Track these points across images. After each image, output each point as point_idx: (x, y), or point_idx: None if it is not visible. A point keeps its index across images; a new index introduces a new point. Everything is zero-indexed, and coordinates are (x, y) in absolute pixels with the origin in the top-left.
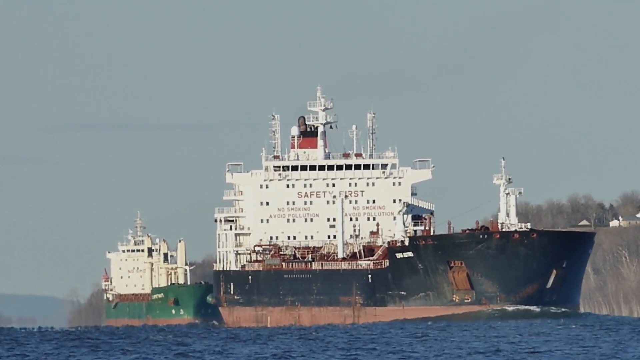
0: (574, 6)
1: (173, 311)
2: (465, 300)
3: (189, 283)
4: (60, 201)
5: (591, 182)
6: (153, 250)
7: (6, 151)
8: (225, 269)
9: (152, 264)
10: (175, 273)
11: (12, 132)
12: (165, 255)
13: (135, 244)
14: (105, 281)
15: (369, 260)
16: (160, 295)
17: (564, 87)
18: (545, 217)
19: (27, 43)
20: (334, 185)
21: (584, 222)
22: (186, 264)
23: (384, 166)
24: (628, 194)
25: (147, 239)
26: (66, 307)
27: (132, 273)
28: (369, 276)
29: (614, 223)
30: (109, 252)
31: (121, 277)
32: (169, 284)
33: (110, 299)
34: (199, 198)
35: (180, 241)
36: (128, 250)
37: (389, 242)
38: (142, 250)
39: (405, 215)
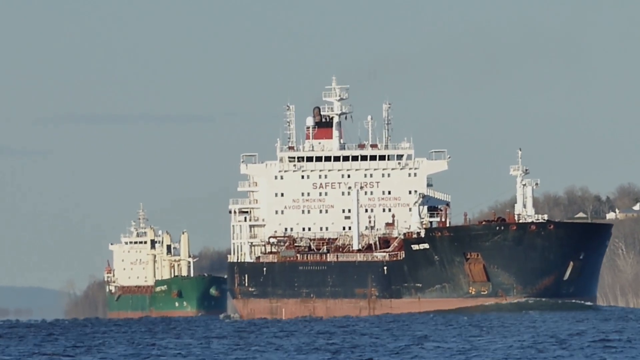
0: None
1: (176, 303)
2: (482, 293)
3: (192, 275)
4: (60, 193)
5: (588, 175)
6: (156, 242)
7: (4, 142)
8: (239, 260)
9: (155, 256)
10: (178, 265)
11: (11, 123)
12: (169, 247)
13: (137, 235)
14: (107, 273)
15: (384, 252)
16: (164, 288)
17: (564, 82)
18: (541, 209)
19: (32, 36)
20: (349, 176)
21: (581, 215)
22: (189, 256)
23: (400, 157)
24: (625, 186)
25: (150, 230)
26: (62, 299)
27: (135, 265)
28: (385, 268)
29: (610, 215)
30: (111, 244)
31: (124, 269)
32: (172, 276)
33: (113, 291)
34: (203, 190)
35: (183, 233)
36: (131, 242)
37: (404, 234)
38: (145, 242)
39: (421, 207)
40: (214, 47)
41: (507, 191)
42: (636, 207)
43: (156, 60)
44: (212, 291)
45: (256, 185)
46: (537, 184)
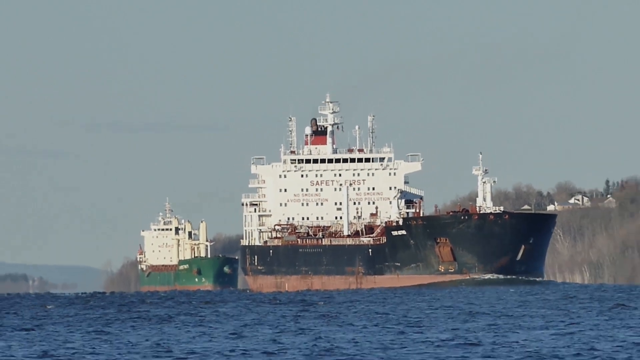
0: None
1: (196, 279)
2: (449, 270)
3: (209, 256)
4: (101, 190)
5: (532, 174)
6: (179, 229)
7: (56, 147)
8: (250, 244)
9: (178, 241)
10: (197, 248)
11: (63, 130)
12: (190, 233)
13: (164, 224)
14: (139, 254)
15: (369, 237)
16: (186, 266)
17: (514, 100)
18: (494, 202)
19: (85, 57)
20: (340, 175)
21: (526, 207)
22: (207, 241)
23: (382, 159)
24: (562, 183)
25: (175, 220)
26: (102, 275)
27: (162, 248)
28: (370, 250)
29: (550, 207)
30: (143, 231)
31: (153, 251)
32: (193, 257)
33: (144, 269)
34: (219, 186)
35: (201, 222)
36: (159, 229)
37: (386, 222)
38: (170, 229)
39: (399, 200)
40: (230, 69)
41: (469, 187)
42: (571, 201)
43: (182, 79)
44: (226, 269)
45: (264, 182)
46: (494, 182)
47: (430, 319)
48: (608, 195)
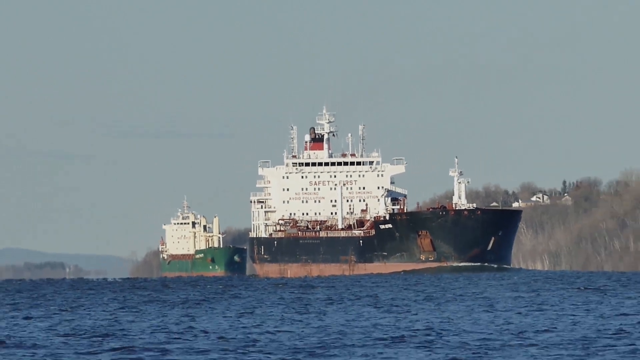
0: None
1: (210, 267)
2: (429, 259)
3: (221, 246)
4: (128, 190)
5: (499, 175)
6: (196, 223)
7: (90, 151)
8: (257, 236)
9: (195, 233)
10: (211, 239)
11: (95, 137)
12: (205, 226)
13: (183, 219)
14: (161, 245)
15: (360, 230)
16: (201, 255)
17: (485, 109)
18: (467, 200)
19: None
20: (335, 176)
21: (494, 204)
22: (219, 233)
23: (371, 163)
24: (525, 183)
25: (192, 215)
26: (128, 263)
27: (181, 239)
28: (360, 241)
29: (515, 204)
30: (164, 225)
31: (173, 242)
32: (207, 247)
33: (165, 257)
34: (229, 186)
35: (215, 217)
36: (178, 223)
37: (374, 217)
38: (188, 223)
39: (386, 198)
40: (239, 84)
41: (446, 186)
42: (533, 199)
43: (199, 94)
44: (236, 258)
45: (269, 182)
46: (468, 182)
47: (416, 302)
48: (565, 194)
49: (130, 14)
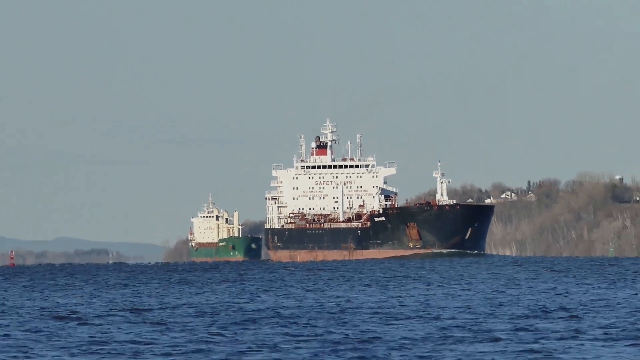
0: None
1: (231, 253)
2: (417, 246)
3: (240, 236)
4: (163, 187)
5: (474, 176)
6: (219, 217)
7: (129, 157)
8: (271, 227)
9: (218, 225)
10: (232, 230)
11: (132, 145)
12: (226, 219)
13: (208, 212)
14: (190, 235)
15: (358, 222)
16: (224, 243)
17: (465, 115)
18: (448, 197)
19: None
20: (337, 177)
21: (470, 200)
22: (239, 225)
23: (367, 166)
24: (496, 183)
25: (216, 210)
26: (161, 250)
27: (206, 230)
28: (358, 232)
29: (487, 201)
30: (192, 218)
31: (199, 232)
32: (229, 236)
33: (193, 245)
34: (247, 185)
35: (235, 211)
36: (204, 216)
37: (370, 211)
38: (212, 217)
39: (380, 195)
40: (259, 99)
41: (430, 185)
42: (503, 196)
43: (224, 108)
44: (253, 246)
45: (281, 182)
46: (449, 182)
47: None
48: (529, 192)
49: (158, 29)
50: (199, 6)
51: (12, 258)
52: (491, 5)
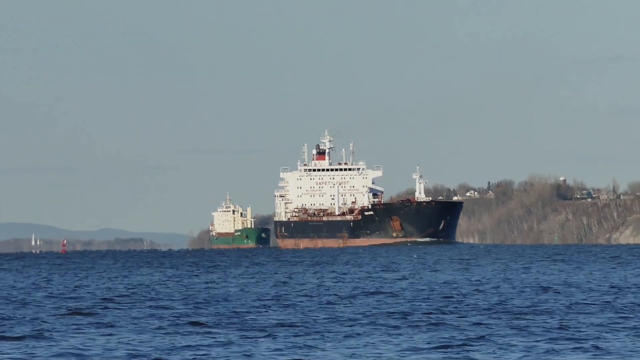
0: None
1: (245, 241)
2: (399, 236)
3: (253, 227)
4: (190, 188)
5: (443, 178)
6: (235, 211)
7: (158, 163)
8: (279, 220)
9: (234, 218)
10: (246, 222)
11: (161, 152)
12: (241, 213)
13: (226, 208)
14: (211, 226)
15: (351, 215)
16: (239, 233)
17: (439, 130)
18: (425, 195)
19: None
20: (333, 178)
21: (440, 198)
22: (252, 218)
23: (358, 169)
24: (462, 183)
25: (232, 205)
26: (186, 239)
27: (225, 222)
28: (351, 224)
29: (455, 198)
30: (212, 212)
31: (219, 224)
32: (243, 227)
33: (214, 234)
34: (259, 185)
35: (248, 207)
36: (223, 211)
37: (361, 207)
38: (230, 211)
39: (369, 194)
40: (269, 115)
41: (409, 185)
42: (467, 194)
43: (242, 122)
44: (263, 235)
45: (288, 183)
46: (425, 182)
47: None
48: (489, 191)
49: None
50: (216, 34)
51: (64, 245)
52: (449, 30)
